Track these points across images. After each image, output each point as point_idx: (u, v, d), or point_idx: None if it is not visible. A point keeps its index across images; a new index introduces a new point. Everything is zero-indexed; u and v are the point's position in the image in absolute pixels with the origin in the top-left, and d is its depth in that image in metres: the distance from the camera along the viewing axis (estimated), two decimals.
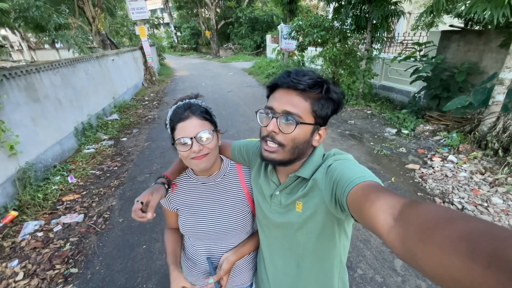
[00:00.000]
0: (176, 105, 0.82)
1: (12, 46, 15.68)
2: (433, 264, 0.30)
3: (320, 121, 0.68)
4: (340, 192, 0.57)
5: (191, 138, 0.76)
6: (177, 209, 0.94)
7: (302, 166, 0.72)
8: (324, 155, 0.73)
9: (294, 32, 6.92)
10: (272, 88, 0.71)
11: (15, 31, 11.83)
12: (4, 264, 2.20)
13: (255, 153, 0.89)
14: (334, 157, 0.69)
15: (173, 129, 0.79)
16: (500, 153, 3.21)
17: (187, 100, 0.83)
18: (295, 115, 0.64)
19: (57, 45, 14.47)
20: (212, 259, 0.93)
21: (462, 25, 5.60)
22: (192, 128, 0.76)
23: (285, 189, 0.75)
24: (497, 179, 2.94)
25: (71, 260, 2.25)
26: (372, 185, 0.52)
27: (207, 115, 0.81)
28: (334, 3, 6.18)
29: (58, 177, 3.44)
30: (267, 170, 0.81)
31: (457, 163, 3.38)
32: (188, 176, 0.94)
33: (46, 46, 15.63)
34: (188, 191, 0.93)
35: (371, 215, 0.45)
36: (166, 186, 0.86)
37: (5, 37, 15.44)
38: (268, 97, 0.73)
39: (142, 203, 0.75)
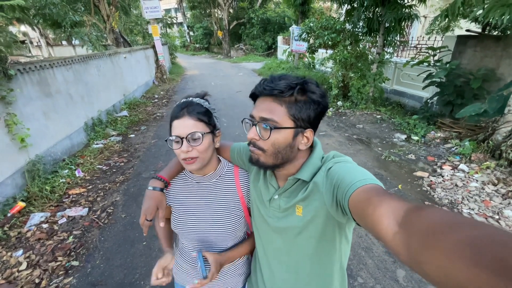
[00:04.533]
0: (178, 102, 0.83)
1: (31, 42, 16.22)
2: (438, 270, 0.29)
3: (302, 123, 0.66)
4: (341, 196, 0.56)
5: (181, 138, 0.76)
6: (170, 204, 0.94)
7: (300, 169, 0.71)
8: (323, 157, 0.72)
9: (305, 33, 6.87)
10: (254, 98, 0.72)
11: (34, 27, 12.24)
12: (9, 254, 2.25)
13: None
14: (334, 160, 0.67)
15: (170, 125, 0.80)
16: None
17: (189, 99, 0.83)
18: (270, 121, 0.64)
19: (74, 42, 14.89)
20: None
21: (479, 30, 5.42)
22: (183, 127, 0.76)
23: (284, 192, 0.74)
24: (511, 190, 2.81)
25: (73, 253, 2.29)
26: (375, 189, 0.51)
27: (204, 117, 0.79)
28: (346, 5, 6.10)
29: (66, 171, 3.52)
30: (266, 174, 0.80)
31: (468, 173, 3.26)
32: (184, 174, 0.94)
33: (64, 42, 16.10)
34: (182, 188, 0.93)
35: (374, 220, 0.44)
36: (164, 191, 0.89)
37: (25, 33, 16.00)
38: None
39: (151, 220, 0.84)
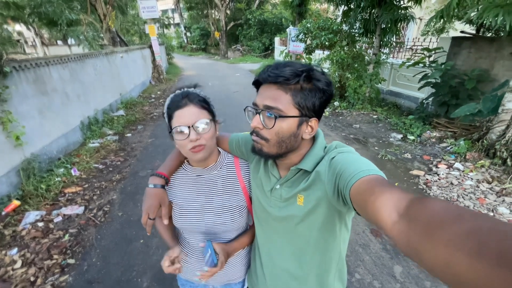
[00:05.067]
0: (174, 94, 0.81)
1: (26, 42, 16.05)
2: (438, 261, 0.29)
3: (307, 112, 0.64)
4: (343, 185, 0.56)
5: (189, 127, 0.74)
6: (171, 200, 0.92)
7: (303, 159, 0.70)
8: (325, 147, 0.72)
9: (302, 34, 6.91)
10: (258, 85, 0.70)
11: (30, 26, 12.11)
12: (3, 252, 2.22)
13: None
14: (337, 150, 0.67)
15: (170, 118, 0.77)
16: (509, 162, 3.12)
17: (185, 89, 0.82)
18: (275, 109, 0.63)
19: (70, 42, 14.78)
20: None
21: (474, 32, 5.51)
22: (189, 116, 0.75)
23: (286, 182, 0.74)
24: (505, 188, 2.85)
25: (69, 251, 2.26)
26: (377, 179, 0.51)
27: (206, 104, 0.80)
28: (343, 6, 6.15)
29: (62, 169, 3.48)
30: (267, 164, 0.80)
31: (463, 171, 3.30)
32: (184, 168, 0.93)
33: (59, 42, 15.97)
34: (183, 183, 0.92)
35: (375, 209, 0.44)
36: (166, 187, 0.87)
37: (20, 33, 15.83)
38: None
39: (154, 219, 0.82)
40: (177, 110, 0.76)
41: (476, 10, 3.46)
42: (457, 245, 0.27)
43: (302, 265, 0.79)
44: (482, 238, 0.26)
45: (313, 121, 0.67)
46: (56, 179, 3.24)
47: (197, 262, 0.93)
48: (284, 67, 0.62)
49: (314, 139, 0.73)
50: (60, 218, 2.66)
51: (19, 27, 13.43)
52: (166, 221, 0.85)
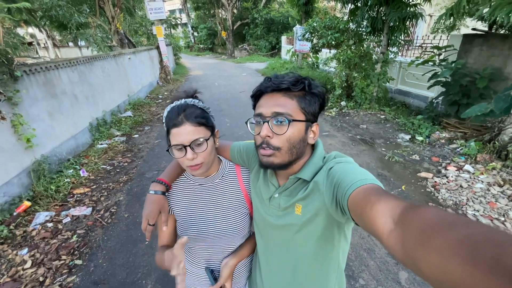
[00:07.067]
0: (171, 106, 0.78)
1: (38, 44, 16.46)
2: (433, 268, 0.29)
3: (311, 117, 0.68)
4: (341, 195, 0.56)
5: (185, 147, 0.74)
6: (173, 211, 0.92)
7: (302, 168, 0.71)
8: (324, 157, 0.73)
9: (308, 33, 6.85)
10: (256, 98, 0.72)
11: (41, 29, 12.42)
12: (14, 252, 2.29)
13: (255, 156, 0.88)
14: (335, 160, 0.68)
15: (168, 132, 0.76)
16: None
17: (183, 101, 0.79)
18: (286, 114, 0.64)
19: (80, 43, 15.09)
20: (211, 264, 0.92)
21: (486, 29, 5.33)
22: (185, 135, 0.73)
23: (284, 191, 0.74)
24: None
25: (76, 252, 2.32)
26: (373, 188, 0.51)
27: (203, 119, 0.77)
28: (350, 4, 6.06)
29: (71, 171, 3.57)
30: (267, 173, 0.80)
31: (473, 174, 3.21)
32: (185, 176, 0.93)
33: (70, 44, 16.33)
34: (184, 192, 0.91)
35: (371, 218, 0.44)
36: (166, 194, 0.88)
37: (32, 35, 16.26)
38: (254, 107, 0.73)
39: (154, 224, 0.82)
40: (173, 128, 0.74)
41: (488, 6, 3.34)
42: (452, 253, 0.27)
43: (300, 275, 0.79)
44: (475, 246, 0.26)
45: (314, 126, 0.70)
46: (65, 180, 3.32)
47: (201, 272, 0.94)
48: (284, 76, 0.66)
49: (313, 148, 0.74)
50: (68, 219, 2.73)
51: (31, 29, 13.79)
52: (165, 228, 0.86)
